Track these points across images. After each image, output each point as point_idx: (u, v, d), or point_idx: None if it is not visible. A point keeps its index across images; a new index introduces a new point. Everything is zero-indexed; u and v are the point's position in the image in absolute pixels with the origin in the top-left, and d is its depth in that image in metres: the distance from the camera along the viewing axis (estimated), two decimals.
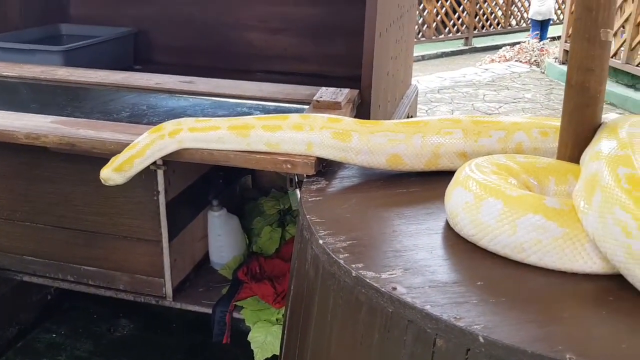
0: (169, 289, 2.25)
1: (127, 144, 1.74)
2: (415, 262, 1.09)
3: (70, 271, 2.32)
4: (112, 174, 1.71)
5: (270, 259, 2.51)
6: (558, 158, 1.34)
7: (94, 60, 2.75)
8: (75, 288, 2.35)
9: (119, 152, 1.74)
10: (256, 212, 2.73)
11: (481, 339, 0.88)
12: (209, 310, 2.28)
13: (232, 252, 2.51)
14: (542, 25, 11.70)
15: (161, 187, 2.11)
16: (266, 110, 2.20)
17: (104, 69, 2.59)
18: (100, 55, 2.88)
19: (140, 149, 1.71)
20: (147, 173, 2.09)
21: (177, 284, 2.29)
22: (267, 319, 2.25)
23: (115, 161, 1.71)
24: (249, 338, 2.21)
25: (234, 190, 2.77)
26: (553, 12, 12.03)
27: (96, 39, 2.88)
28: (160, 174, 2.10)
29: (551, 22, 12.01)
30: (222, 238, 2.49)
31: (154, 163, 2.06)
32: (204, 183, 2.41)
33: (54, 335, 2.75)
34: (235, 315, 2.27)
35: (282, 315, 2.22)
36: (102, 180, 1.74)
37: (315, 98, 2.04)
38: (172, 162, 2.06)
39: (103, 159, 2.01)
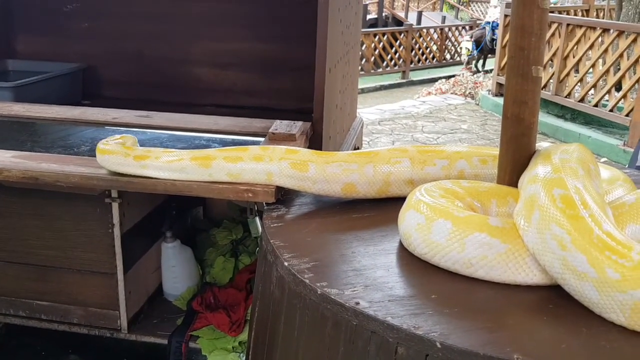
0: (124, 321, 2.27)
1: (91, 176, 1.78)
2: (374, 279, 1.18)
3: (22, 306, 2.30)
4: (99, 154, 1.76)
5: (224, 288, 2.55)
6: (497, 182, 1.46)
7: (44, 96, 2.76)
8: (28, 323, 2.34)
9: (84, 185, 1.78)
10: (208, 243, 2.77)
11: (438, 345, 0.97)
12: (165, 341, 2.31)
13: (186, 283, 2.55)
14: None
15: (116, 219, 2.14)
16: (223, 143, 2.26)
17: (56, 105, 2.61)
18: (50, 91, 2.89)
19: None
20: (102, 206, 2.12)
21: (132, 316, 2.31)
22: (223, 347, 2.28)
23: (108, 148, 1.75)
24: None
25: (186, 222, 2.81)
26: None
27: (46, 75, 2.90)
28: (115, 206, 2.13)
29: None
30: (176, 269, 2.52)
31: (110, 196, 2.10)
32: (158, 215, 2.45)
33: None
34: (191, 345, 2.31)
35: (239, 342, 2.27)
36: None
37: (270, 130, 2.13)
38: (127, 195, 2.10)
39: (55, 194, 2.03)
